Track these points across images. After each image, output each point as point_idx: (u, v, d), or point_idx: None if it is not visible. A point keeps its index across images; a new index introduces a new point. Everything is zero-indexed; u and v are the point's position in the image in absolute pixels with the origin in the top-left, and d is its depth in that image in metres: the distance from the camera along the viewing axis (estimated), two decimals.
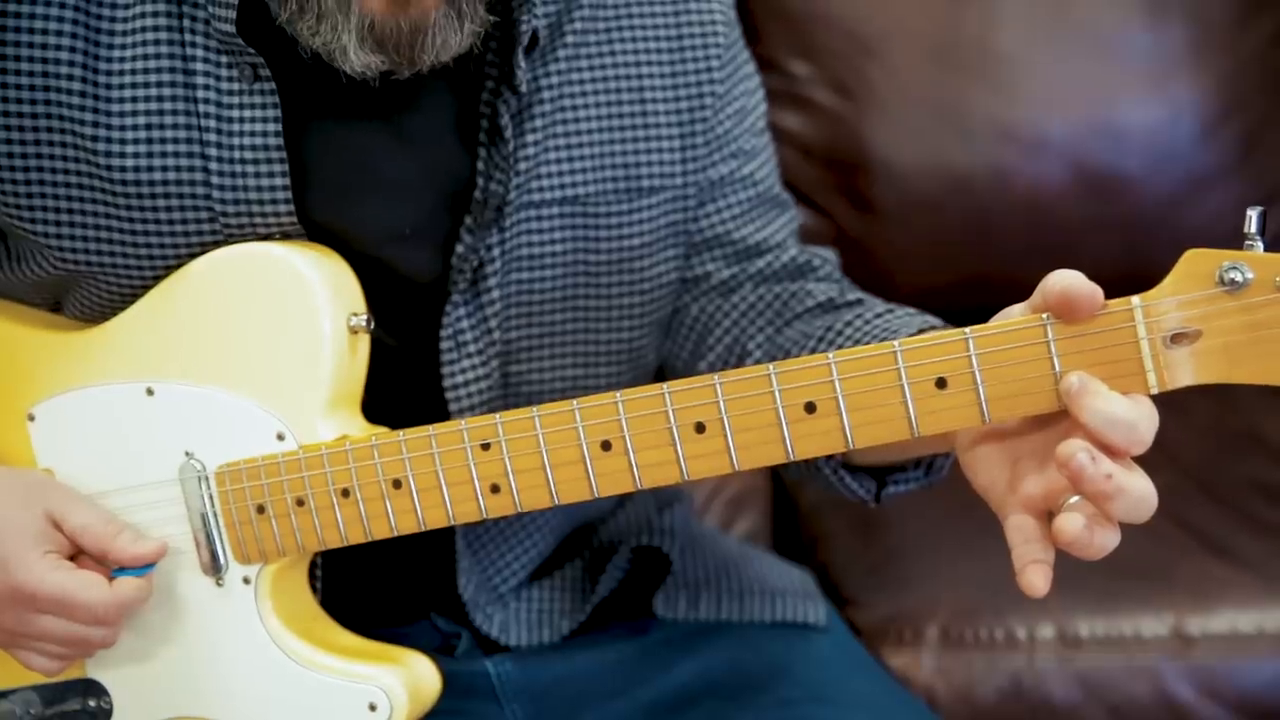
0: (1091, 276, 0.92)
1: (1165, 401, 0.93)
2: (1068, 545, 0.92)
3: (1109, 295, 0.92)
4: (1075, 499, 0.93)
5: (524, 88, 1.17)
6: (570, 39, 1.21)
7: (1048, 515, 0.96)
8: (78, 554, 1.13)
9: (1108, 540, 0.92)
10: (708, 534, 1.43)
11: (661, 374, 1.33)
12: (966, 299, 1.57)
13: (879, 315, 1.16)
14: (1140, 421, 0.91)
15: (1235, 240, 0.91)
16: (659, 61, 1.23)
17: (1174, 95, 2.05)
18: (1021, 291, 0.96)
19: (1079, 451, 0.90)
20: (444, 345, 1.19)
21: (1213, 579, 1.69)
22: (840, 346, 1.15)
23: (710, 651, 1.30)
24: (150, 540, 1.13)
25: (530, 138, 1.19)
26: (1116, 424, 0.91)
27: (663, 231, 1.25)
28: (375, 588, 1.25)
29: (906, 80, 2.03)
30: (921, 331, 1.11)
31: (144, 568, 1.12)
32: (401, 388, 1.20)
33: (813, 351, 1.17)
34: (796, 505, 1.91)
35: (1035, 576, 0.94)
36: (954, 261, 2.04)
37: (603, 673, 1.29)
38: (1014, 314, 0.96)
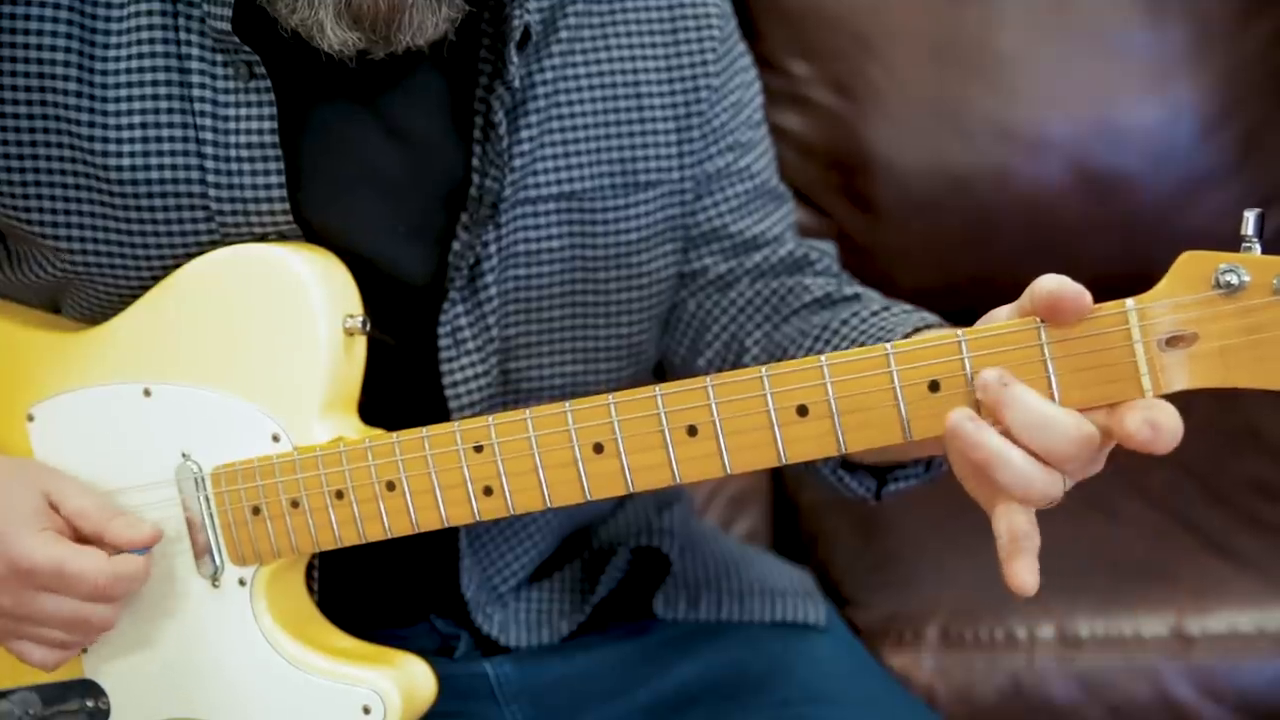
0: (1092, 276, 0.92)
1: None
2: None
3: (1108, 294, 0.92)
4: None
5: (517, 83, 1.17)
6: (564, 33, 1.20)
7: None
8: (76, 538, 1.12)
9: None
10: (707, 534, 1.43)
11: (661, 369, 1.33)
12: (966, 299, 1.55)
13: (875, 314, 1.16)
14: (1062, 428, 0.90)
15: (1235, 240, 0.90)
16: (654, 55, 1.23)
17: (1174, 95, 2.05)
18: (1021, 292, 0.95)
19: (965, 419, 0.90)
20: (442, 343, 1.19)
21: (1213, 579, 1.68)
22: (837, 345, 1.15)
23: (710, 652, 1.30)
24: (145, 524, 1.12)
25: (525, 133, 1.19)
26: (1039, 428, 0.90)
27: (660, 226, 1.25)
28: (375, 589, 1.25)
29: (906, 80, 2.03)
30: (917, 330, 1.11)
31: (140, 551, 1.12)
32: (401, 386, 1.20)
33: (810, 349, 1.17)
34: (796, 505, 1.91)
35: (1023, 571, 0.91)
36: (954, 261, 2.04)
37: (602, 673, 1.29)
38: (1000, 317, 0.95)
